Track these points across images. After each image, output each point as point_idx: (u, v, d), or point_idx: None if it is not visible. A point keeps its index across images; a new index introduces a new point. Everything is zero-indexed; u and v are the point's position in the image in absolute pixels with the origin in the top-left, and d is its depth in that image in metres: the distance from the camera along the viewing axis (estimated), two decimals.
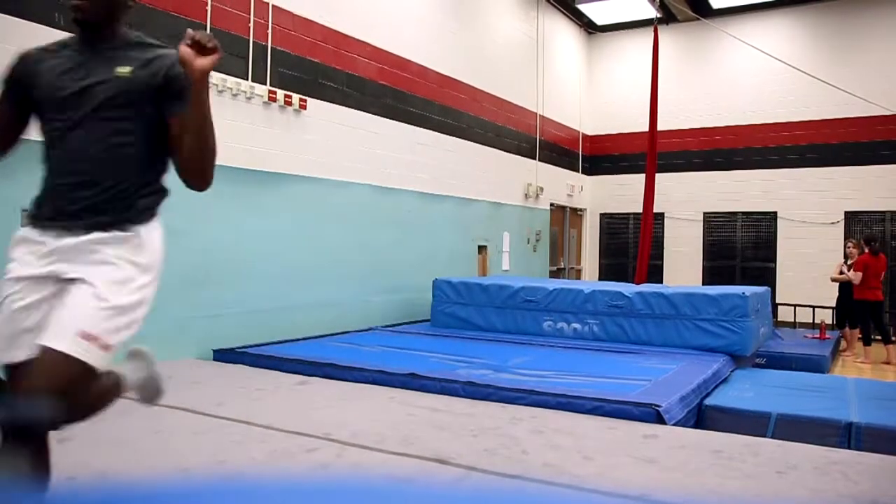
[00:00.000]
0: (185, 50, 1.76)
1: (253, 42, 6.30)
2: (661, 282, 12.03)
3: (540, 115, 11.59)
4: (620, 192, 13.16)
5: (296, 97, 6.72)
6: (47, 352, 1.67)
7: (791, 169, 11.76)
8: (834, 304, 9.54)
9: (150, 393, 2.32)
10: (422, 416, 4.01)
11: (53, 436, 3.37)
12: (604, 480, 2.92)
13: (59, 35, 5.08)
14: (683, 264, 12.62)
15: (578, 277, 13.33)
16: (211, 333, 5.89)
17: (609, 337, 6.68)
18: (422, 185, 8.58)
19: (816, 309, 10.39)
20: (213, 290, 5.93)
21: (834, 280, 9.21)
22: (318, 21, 7.03)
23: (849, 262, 9.12)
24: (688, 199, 12.60)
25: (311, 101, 6.91)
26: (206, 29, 5.86)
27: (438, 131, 8.94)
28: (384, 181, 7.96)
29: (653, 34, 8.58)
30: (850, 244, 9.19)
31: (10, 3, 4.58)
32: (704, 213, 12.54)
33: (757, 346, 6.64)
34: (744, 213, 12.21)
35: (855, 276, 8.75)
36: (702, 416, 4.55)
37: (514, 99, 10.81)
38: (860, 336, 8.98)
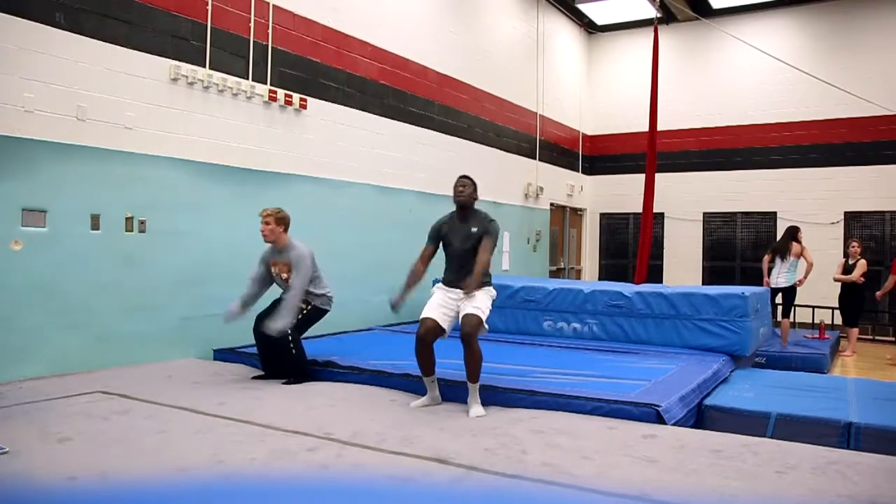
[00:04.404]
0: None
1: (253, 41, 6.30)
2: (660, 282, 12.04)
3: (540, 115, 11.60)
4: (620, 192, 13.16)
5: (296, 97, 6.72)
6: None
7: (791, 169, 11.77)
8: (837, 304, 9.49)
9: None
10: (421, 415, 4.02)
11: (53, 436, 3.39)
12: (603, 480, 2.92)
13: (59, 35, 5.09)
14: (683, 264, 12.63)
15: (578, 277, 13.34)
16: (211, 333, 5.89)
17: (609, 337, 6.68)
18: (422, 185, 8.58)
19: (816, 309, 10.40)
20: (213, 289, 5.93)
21: (837, 280, 9.19)
22: (318, 21, 7.03)
23: (851, 262, 9.10)
24: (688, 199, 12.60)
25: (311, 101, 6.92)
26: (206, 29, 5.87)
27: (439, 131, 8.94)
28: (384, 181, 7.96)
29: (653, 34, 8.59)
30: (853, 243, 9.17)
31: (10, 3, 4.58)
32: (704, 213, 12.55)
33: (756, 346, 6.64)
34: (743, 213, 12.22)
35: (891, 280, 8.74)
36: (701, 416, 4.55)
37: (515, 99, 10.82)
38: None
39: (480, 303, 4.22)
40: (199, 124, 5.86)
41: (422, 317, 4.29)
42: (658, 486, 2.85)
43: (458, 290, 4.27)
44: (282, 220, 5.02)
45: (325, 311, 5.24)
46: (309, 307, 5.06)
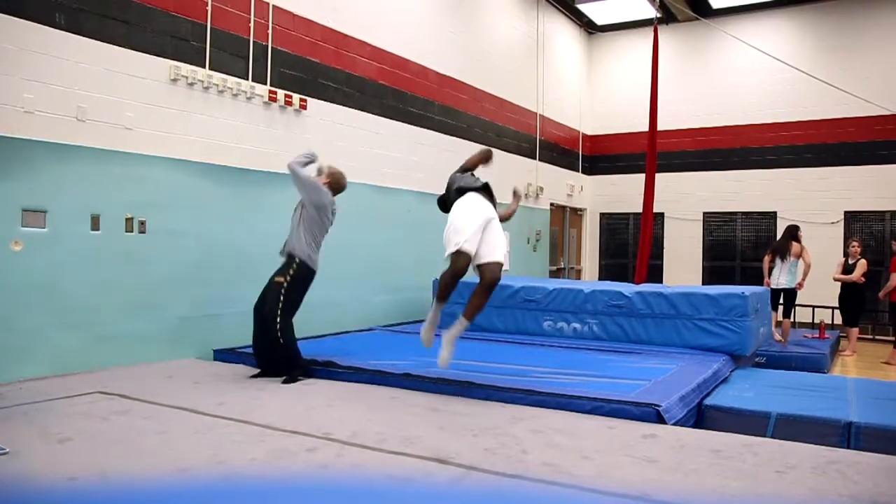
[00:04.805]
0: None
1: (253, 42, 6.30)
2: (660, 282, 12.04)
3: (540, 115, 11.60)
4: (620, 192, 13.16)
5: (296, 97, 6.72)
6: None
7: (790, 169, 11.77)
8: (837, 304, 9.49)
9: None
10: (421, 415, 4.02)
11: (53, 436, 3.39)
12: (603, 480, 2.92)
13: (59, 35, 5.08)
14: (683, 264, 12.63)
15: (578, 277, 13.34)
16: (211, 333, 5.90)
17: (609, 337, 6.68)
18: (422, 185, 8.58)
19: (816, 308, 10.39)
20: (213, 289, 5.94)
21: (837, 279, 9.19)
22: (318, 21, 7.03)
23: (850, 262, 9.09)
24: (687, 199, 12.60)
25: (311, 101, 6.92)
26: (206, 29, 5.87)
27: (438, 131, 8.94)
28: (384, 181, 7.96)
29: (653, 34, 8.58)
30: (854, 243, 9.16)
31: (10, 3, 4.58)
32: (704, 213, 12.55)
33: (756, 346, 6.64)
34: (743, 212, 12.22)
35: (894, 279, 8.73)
36: (701, 416, 4.56)
37: (514, 99, 10.82)
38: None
39: (504, 241, 4.53)
40: (198, 125, 5.86)
41: (462, 248, 4.31)
42: (658, 486, 2.84)
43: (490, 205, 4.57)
44: (331, 176, 5.36)
45: (311, 274, 5.01)
46: (288, 278, 4.89)
